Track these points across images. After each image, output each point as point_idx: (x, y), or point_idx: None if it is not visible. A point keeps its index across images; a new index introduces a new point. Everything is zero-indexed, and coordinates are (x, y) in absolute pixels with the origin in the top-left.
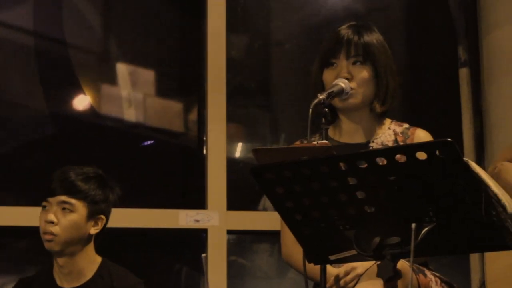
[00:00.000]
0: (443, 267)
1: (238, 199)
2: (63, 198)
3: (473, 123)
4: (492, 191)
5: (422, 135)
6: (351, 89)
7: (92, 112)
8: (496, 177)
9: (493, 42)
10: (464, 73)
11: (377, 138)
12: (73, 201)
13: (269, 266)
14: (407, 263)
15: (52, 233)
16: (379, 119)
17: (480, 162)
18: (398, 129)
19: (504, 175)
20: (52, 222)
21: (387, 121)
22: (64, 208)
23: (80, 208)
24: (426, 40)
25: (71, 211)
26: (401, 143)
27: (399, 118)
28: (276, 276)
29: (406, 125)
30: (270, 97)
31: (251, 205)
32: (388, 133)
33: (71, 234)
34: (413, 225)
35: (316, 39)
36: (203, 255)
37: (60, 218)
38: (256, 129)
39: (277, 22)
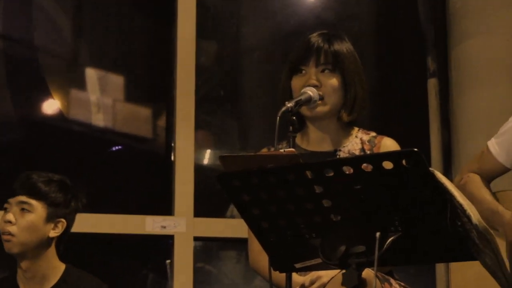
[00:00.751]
0: (409, 276)
1: (205, 206)
2: (23, 198)
3: (441, 134)
4: (458, 202)
5: (388, 144)
6: (320, 97)
7: (60, 117)
8: (461, 188)
9: (461, 54)
10: (432, 84)
11: (344, 146)
12: (32, 201)
13: (236, 274)
14: (372, 272)
15: (9, 233)
16: (346, 127)
17: (447, 173)
18: (365, 138)
19: (469, 187)
20: (10, 222)
21: (355, 129)
22: (23, 209)
23: (39, 209)
24: (395, 50)
25: (30, 211)
26: (368, 152)
27: (368, 127)
28: (243, 283)
29: (373, 134)
30: (239, 104)
31: (218, 212)
32: (355, 141)
33: (29, 235)
34: (377, 234)
35: (286, 47)
36: (168, 261)
37: (18, 218)
38: (224, 136)
39: (247, 29)
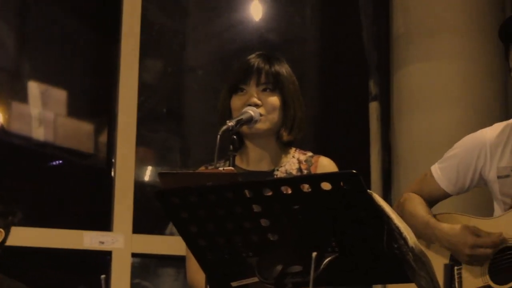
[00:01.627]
0: None
1: (145, 223)
2: None
3: (381, 157)
4: (395, 224)
5: (325, 163)
6: (260, 116)
7: (0, 130)
8: (401, 206)
9: (403, 78)
10: (374, 107)
11: (281, 166)
12: None
13: None
14: None
15: None
16: (284, 148)
17: (387, 196)
18: (302, 157)
19: (407, 204)
20: None
21: (292, 149)
22: None
23: None
24: (339, 73)
25: None
26: (305, 171)
27: (309, 149)
28: None
29: (310, 153)
30: (182, 122)
31: (158, 229)
32: (292, 161)
33: None
34: (314, 254)
35: (230, 66)
36: (102, 276)
37: None
38: (166, 154)
39: (192, 48)
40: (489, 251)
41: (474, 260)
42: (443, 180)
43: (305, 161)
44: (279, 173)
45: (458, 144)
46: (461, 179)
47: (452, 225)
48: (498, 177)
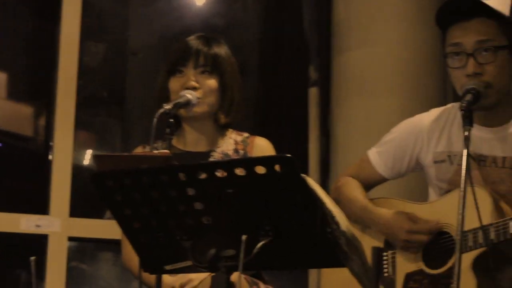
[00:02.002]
0: (282, 281)
1: (83, 207)
2: None
3: (319, 143)
4: (327, 208)
5: (261, 143)
6: (198, 99)
7: None
8: (338, 190)
9: (343, 64)
10: (313, 93)
11: (218, 147)
12: None
13: (113, 275)
14: (242, 275)
15: None
16: (221, 129)
17: (324, 182)
18: (239, 138)
19: (344, 188)
20: None
21: (229, 131)
22: None
23: None
24: (280, 58)
25: None
26: (241, 151)
27: (248, 133)
28: (120, 285)
29: (246, 134)
30: (123, 105)
31: (96, 213)
32: (229, 142)
33: None
34: (244, 237)
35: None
36: (32, 258)
37: None
38: (106, 138)
39: (133, 31)
40: (424, 237)
41: (409, 246)
42: (380, 165)
43: (242, 141)
44: (216, 154)
45: (396, 129)
46: (398, 164)
47: (389, 210)
48: (435, 162)
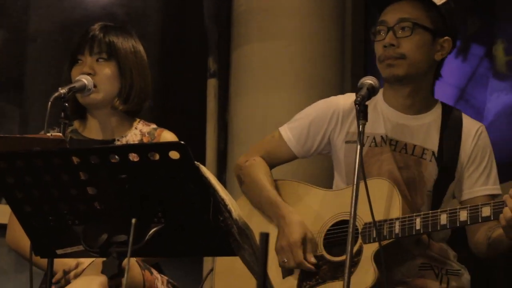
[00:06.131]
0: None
1: None
2: None
3: (217, 136)
4: (220, 196)
5: (168, 137)
6: (94, 85)
7: None
8: (245, 169)
9: (242, 57)
10: (212, 84)
11: (123, 137)
12: None
13: (7, 262)
14: (134, 259)
15: None
16: (127, 118)
17: (221, 175)
18: (145, 129)
19: (253, 171)
20: None
21: (136, 121)
22: None
23: None
24: (180, 49)
25: None
26: None
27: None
28: (14, 271)
29: (154, 126)
30: (22, 91)
31: None
32: (135, 132)
33: None
34: (133, 220)
35: (71, 36)
36: None
37: None
38: (3, 124)
39: (33, 17)
40: (292, 263)
41: (280, 255)
42: (291, 140)
43: (148, 133)
44: (120, 144)
45: (310, 107)
46: (310, 140)
47: (295, 216)
48: (346, 142)
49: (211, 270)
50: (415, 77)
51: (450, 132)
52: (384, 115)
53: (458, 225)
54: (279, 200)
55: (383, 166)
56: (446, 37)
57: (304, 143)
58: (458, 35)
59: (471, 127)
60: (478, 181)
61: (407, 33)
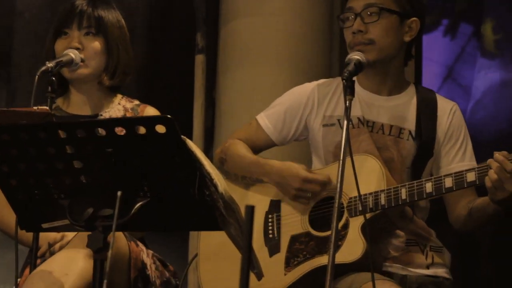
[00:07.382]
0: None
1: None
2: None
3: (204, 112)
4: (206, 171)
5: (151, 112)
6: (81, 60)
7: None
8: (226, 150)
9: (230, 32)
10: (200, 60)
11: (106, 112)
12: None
13: None
14: (121, 232)
15: None
16: (109, 93)
17: (208, 151)
18: (128, 105)
19: (233, 148)
20: None
21: (118, 96)
22: None
23: None
24: (168, 24)
25: None
26: None
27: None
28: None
29: (137, 102)
30: (9, 66)
31: None
32: (118, 108)
33: None
34: (119, 192)
35: (57, 9)
36: None
37: None
38: None
39: None
40: (317, 187)
41: (300, 196)
42: (269, 127)
43: (131, 109)
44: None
45: (285, 94)
46: (287, 126)
47: (286, 162)
48: (323, 125)
49: (196, 255)
50: (385, 60)
51: (426, 111)
52: (359, 97)
53: (444, 191)
54: (265, 159)
55: (361, 146)
56: (414, 18)
57: (282, 129)
58: (425, 14)
59: (445, 106)
60: (455, 158)
61: (374, 18)
